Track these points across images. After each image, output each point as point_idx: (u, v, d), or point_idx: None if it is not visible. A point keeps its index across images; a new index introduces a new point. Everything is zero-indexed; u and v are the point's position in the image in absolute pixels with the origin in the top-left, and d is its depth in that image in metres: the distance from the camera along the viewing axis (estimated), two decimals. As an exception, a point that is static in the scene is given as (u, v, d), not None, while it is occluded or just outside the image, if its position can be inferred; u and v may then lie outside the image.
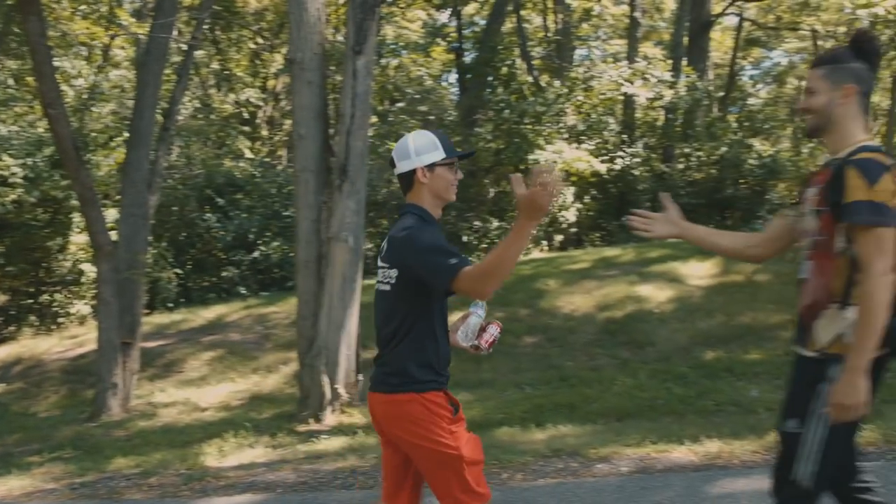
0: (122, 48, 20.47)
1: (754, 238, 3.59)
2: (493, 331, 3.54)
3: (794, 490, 3.12)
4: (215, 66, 25.97)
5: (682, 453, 6.09)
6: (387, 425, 3.36)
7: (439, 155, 3.36)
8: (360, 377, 8.45)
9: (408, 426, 3.28)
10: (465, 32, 23.65)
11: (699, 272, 12.00)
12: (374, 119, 20.40)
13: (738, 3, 25.26)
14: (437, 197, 3.39)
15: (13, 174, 13.62)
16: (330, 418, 8.07)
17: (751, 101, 26.67)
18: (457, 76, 23.66)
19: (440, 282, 3.15)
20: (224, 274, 16.49)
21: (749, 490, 5.22)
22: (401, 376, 3.28)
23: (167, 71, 15.02)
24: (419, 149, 3.37)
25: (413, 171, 3.36)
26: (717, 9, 24.23)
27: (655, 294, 11.33)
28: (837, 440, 3.08)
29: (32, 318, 15.08)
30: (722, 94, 27.55)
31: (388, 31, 24.28)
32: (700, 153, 19.99)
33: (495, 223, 17.90)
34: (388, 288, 3.34)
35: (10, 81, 18.55)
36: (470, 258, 3.19)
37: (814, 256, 3.14)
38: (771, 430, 6.62)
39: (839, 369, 2.99)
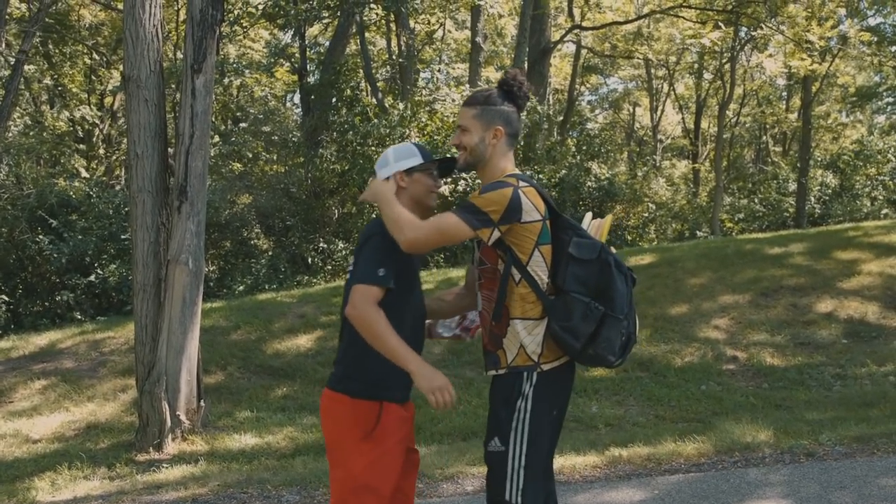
0: (-55, 61, 19.45)
1: (462, 289, 3.72)
2: (474, 317, 3.58)
3: None
4: (48, 81, 24.97)
5: (525, 470, 6.19)
6: (321, 417, 3.42)
7: (417, 160, 3.44)
8: (203, 403, 8.25)
9: (329, 423, 3.34)
10: (309, 53, 23.58)
11: (541, 292, 12.26)
12: (215, 139, 20.05)
13: (576, 31, 26.13)
14: (416, 202, 3.43)
15: None
16: (171, 446, 7.84)
17: (589, 125, 27.59)
18: (300, 97, 23.54)
19: (349, 281, 3.26)
20: (58, 298, 15.82)
21: (589, 504, 5.37)
22: (338, 373, 3.36)
23: (-6, 86, 14.35)
24: (398, 155, 3.46)
25: (392, 178, 3.42)
26: (555, 35, 24.99)
27: (499, 314, 11.50)
28: (538, 456, 3.22)
29: None
30: (561, 118, 28.41)
31: (231, 50, 23.96)
32: (541, 175, 20.51)
33: (340, 244, 17.86)
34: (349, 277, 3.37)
35: None
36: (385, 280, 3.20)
37: (484, 286, 3.33)
38: (611, 445, 6.84)
39: (529, 381, 3.21)
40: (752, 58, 28.92)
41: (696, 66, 31.36)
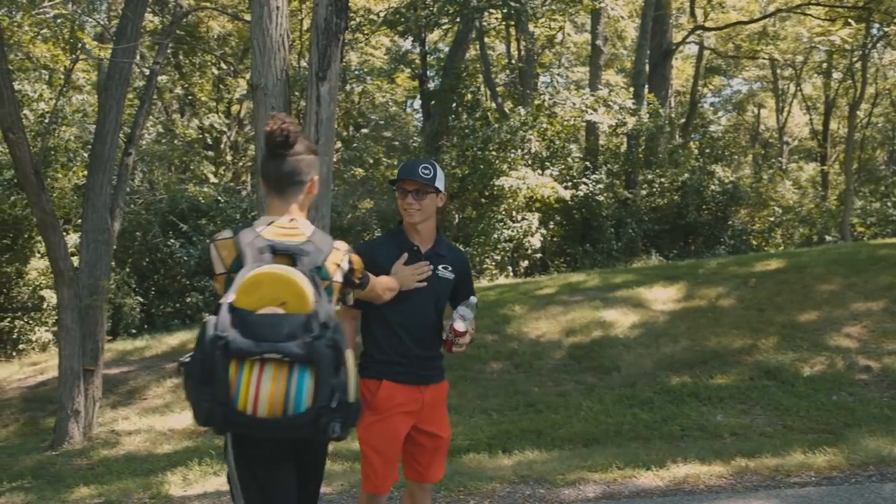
0: (85, 72, 20.35)
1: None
2: (448, 331, 3.92)
3: None
4: (179, 91, 25.88)
5: (648, 478, 6.10)
6: None
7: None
8: (326, 404, 8.40)
9: None
10: (430, 59, 23.79)
11: (663, 297, 12.08)
12: (338, 145, 20.41)
13: (699, 32, 25.65)
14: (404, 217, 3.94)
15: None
16: (295, 446, 8.00)
17: (712, 128, 27.02)
18: (421, 102, 23.78)
19: None
20: (188, 300, 16.37)
21: (716, 514, 5.25)
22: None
23: (130, 96, 14.93)
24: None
25: None
26: (677, 37, 24.59)
27: (621, 319, 11.39)
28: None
29: (-8, 344, 14.88)
30: (683, 121, 27.91)
31: (353, 58, 24.37)
32: (663, 179, 20.22)
33: (461, 248, 17.92)
34: None
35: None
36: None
37: None
38: (737, 454, 6.68)
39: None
40: (884, 55, 27.84)
41: (824, 65, 30.39)
